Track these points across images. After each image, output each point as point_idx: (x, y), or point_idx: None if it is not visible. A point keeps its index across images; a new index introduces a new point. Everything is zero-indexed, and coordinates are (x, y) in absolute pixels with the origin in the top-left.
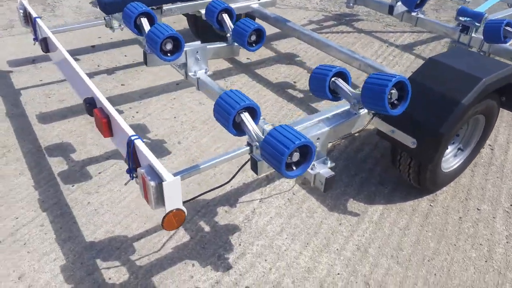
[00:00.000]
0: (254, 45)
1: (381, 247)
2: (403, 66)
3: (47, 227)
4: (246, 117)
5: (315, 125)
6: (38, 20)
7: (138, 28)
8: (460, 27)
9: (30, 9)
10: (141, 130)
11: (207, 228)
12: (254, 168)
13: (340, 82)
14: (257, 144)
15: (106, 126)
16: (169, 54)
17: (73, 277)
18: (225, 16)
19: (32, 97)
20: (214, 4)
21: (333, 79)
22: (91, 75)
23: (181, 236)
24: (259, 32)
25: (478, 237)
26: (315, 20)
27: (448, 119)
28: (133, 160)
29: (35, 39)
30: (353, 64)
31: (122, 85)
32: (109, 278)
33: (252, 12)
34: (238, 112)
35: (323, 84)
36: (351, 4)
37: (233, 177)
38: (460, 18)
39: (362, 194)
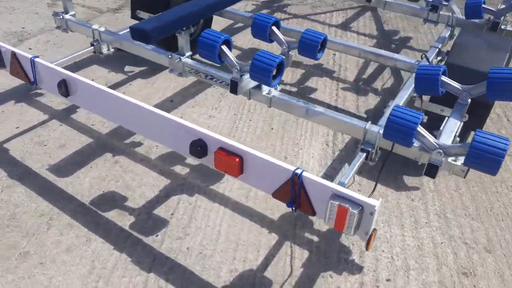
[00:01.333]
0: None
1: (453, 210)
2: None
3: (168, 286)
4: (225, 49)
5: None
6: (37, 60)
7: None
8: (430, 7)
9: (15, 49)
10: None
11: (315, 238)
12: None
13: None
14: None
15: (238, 165)
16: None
17: None
18: (275, 29)
19: (24, 150)
20: (263, 18)
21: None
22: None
23: (299, 253)
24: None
25: (506, 180)
26: (247, 10)
27: None
28: (298, 193)
29: (33, 83)
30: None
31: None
32: None
33: None
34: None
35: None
36: None
37: (374, 189)
38: None
39: (402, 170)
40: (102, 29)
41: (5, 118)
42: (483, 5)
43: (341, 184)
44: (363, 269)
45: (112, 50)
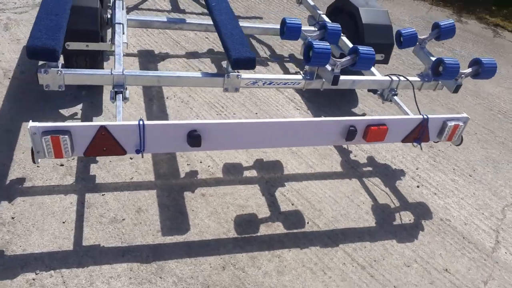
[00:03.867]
0: None
1: None
2: None
3: None
4: None
5: None
6: (149, 123)
7: None
8: None
9: (105, 123)
10: None
11: None
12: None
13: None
14: None
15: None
16: None
17: None
18: None
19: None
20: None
21: None
22: None
23: None
24: None
25: None
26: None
27: None
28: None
29: (139, 151)
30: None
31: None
32: None
33: None
34: None
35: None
36: None
37: None
38: None
39: None
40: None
41: None
42: None
43: None
44: None
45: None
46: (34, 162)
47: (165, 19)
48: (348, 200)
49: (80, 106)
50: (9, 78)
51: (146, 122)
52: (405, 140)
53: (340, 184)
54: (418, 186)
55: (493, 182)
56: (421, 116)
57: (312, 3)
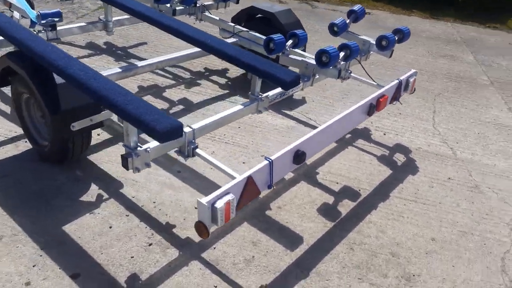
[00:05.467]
0: None
1: None
2: None
3: None
4: None
5: None
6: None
7: None
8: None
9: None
10: None
11: None
12: None
13: None
14: None
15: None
16: None
17: None
18: None
19: None
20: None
21: None
22: None
23: None
24: None
25: None
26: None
27: None
28: None
29: (270, 186)
30: None
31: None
32: None
33: None
34: None
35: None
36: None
37: None
38: None
39: None
40: None
41: None
42: None
43: None
44: None
45: None
46: (207, 235)
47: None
48: (361, 163)
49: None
50: None
51: (272, 157)
52: (391, 102)
53: (347, 154)
54: (384, 134)
55: (415, 113)
56: (397, 81)
57: (217, 18)
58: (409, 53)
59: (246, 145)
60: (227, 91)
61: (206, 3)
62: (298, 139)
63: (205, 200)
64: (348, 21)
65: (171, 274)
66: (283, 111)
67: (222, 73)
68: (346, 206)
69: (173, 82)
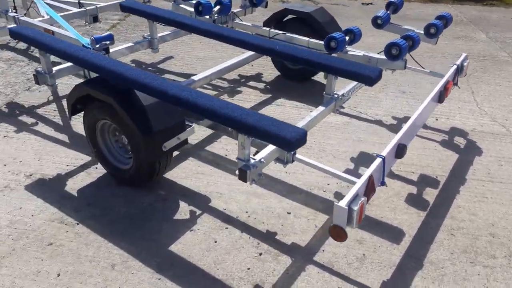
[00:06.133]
0: None
1: None
2: None
3: None
4: None
5: None
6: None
7: None
8: None
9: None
10: None
11: None
12: None
13: None
14: None
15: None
16: None
17: None
18: None
19: None
20: None
21: None
22: None
23: None
24: None
25: None
26: None
27: None
28: None
29: (383, 183)
30: None
31: None
32: None
33: None
34: None
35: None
36: None
37: None
38: None
39: None
40: None
41: None
42: None
43: None
44: None
45: None
46: (346, 238)
47: None
48: (427, 150)
49: None
50: None
51: (382, 154)
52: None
53: (411, 143)
54: (436, 119)
55: (456, 96)
56: (455, 65)
57: (249, 24)
58: None
59: (310, 145)
60: (270, 94)
61: (234, 10)
62: (397, 133)
63: (342, 203)
64: (389, 12)
65: (293, 281)
66: None
67: (257, 78)
68: (430, 194)
69: (215, 92)
